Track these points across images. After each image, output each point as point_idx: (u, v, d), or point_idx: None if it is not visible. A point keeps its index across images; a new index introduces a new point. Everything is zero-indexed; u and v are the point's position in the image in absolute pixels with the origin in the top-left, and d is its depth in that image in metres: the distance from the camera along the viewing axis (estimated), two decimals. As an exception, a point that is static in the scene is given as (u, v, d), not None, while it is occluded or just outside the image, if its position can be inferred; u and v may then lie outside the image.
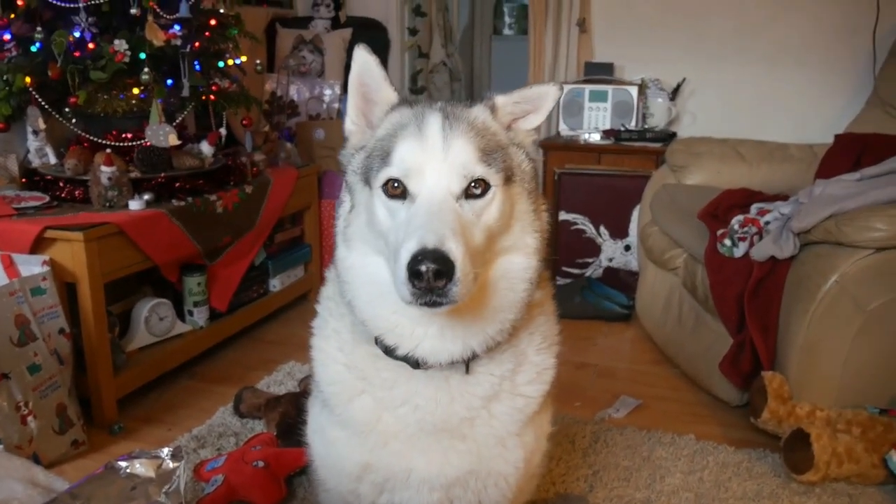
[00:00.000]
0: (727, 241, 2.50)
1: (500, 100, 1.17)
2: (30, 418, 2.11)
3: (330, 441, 1.29)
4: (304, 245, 3.61)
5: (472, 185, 1.06)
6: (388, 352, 1.15)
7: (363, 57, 1.16)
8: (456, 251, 0.96)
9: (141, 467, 0.79)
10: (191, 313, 2.86)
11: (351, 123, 1.21)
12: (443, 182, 1.05)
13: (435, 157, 1.06)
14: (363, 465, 1.23)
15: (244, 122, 3.15)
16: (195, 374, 2.82)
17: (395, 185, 1.07)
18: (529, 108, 1.18)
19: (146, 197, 2.55)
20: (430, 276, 0.94)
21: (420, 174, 1.06)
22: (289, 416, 2.22)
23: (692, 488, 2.05)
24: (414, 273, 0.95)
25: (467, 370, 1.17)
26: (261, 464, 1.99)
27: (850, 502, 1.99)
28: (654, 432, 2.36)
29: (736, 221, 2.50)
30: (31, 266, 2.24)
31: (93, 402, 2.39)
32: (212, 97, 2.89)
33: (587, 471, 2.13)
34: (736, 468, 2.15)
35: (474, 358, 1.15)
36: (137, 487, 0.77)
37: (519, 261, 1.14)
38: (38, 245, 2.27)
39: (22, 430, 2.09)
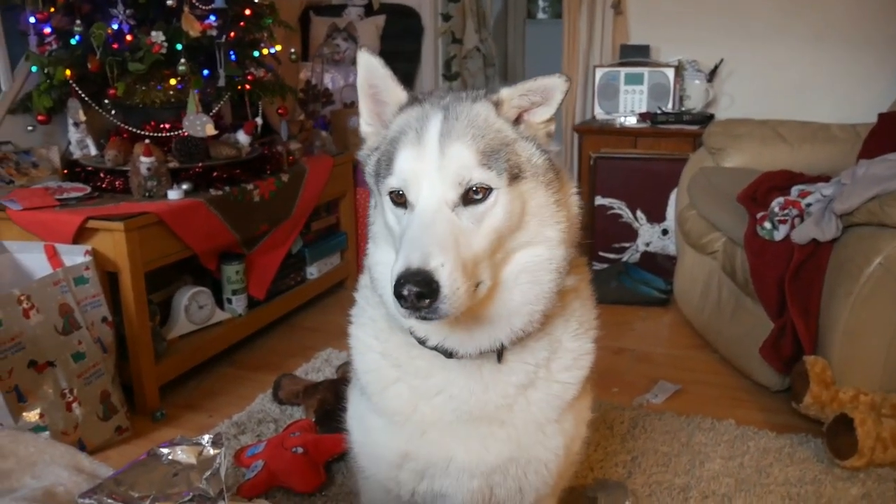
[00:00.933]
0: (767, 224, 2.45)
1: (506, 93, 1.13)
2: (75, 405, 2.16)
3: (369, 428, 1.29)
4: (340, 233, 3.63)
5: (472, 190, 1.04)
6: (421, 342, 1.15)
7: (366, 59, 1.14)
8: (442, 269, 0.96)
9: (182, 454, 0.80)
10: (230, 301, 2.90)
11: (366, 125, 1.20)
12: (437, 192, 1.03)
13: (430, 166, 1.04)
14: (402, 454, 1.23)
15: (280, 111, 3.18)
16: (234, 361, 2.86)
17: (399, 193, 1.07)
18: (538, 100, 1.13)
19: (184, 186, 2.58)
20: (413, 299, 0.95)
21: (416, 184, 1.04)
22: (327, 402, 2.24)
23: (733, 474, 2.03)
24: (398, 295, 0.96)
25: (499, 359, 1.16)
26: (300, 450, 2.01)
27: (896, 488, 1.95)
28: (693, 418, 2.33)
29: (776, 204, 2.45)
30: (74, 256, 2.29)
31: (135, 389, 2.44)
32: (247, 87, 2.91)
33: (626, 456, 2.12)
34: (777, 453, 2.12)
35: (505, 348, 1.14)
36: (179, 474, 0.78)
37: (541, 253, 1.11)
38: (80, 235, 2.32)
39: (67, 417, 2.14)
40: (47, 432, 2.09)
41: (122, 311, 2.38)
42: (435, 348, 1.14)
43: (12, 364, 2.02)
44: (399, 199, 1.07)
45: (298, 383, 2.45)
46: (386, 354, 1.22)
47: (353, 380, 1.35)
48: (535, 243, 1.11)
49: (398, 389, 1.22)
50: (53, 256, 2.30)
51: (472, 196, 1.04)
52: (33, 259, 2.33)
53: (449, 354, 1.13)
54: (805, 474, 2.02)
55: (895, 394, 2.11)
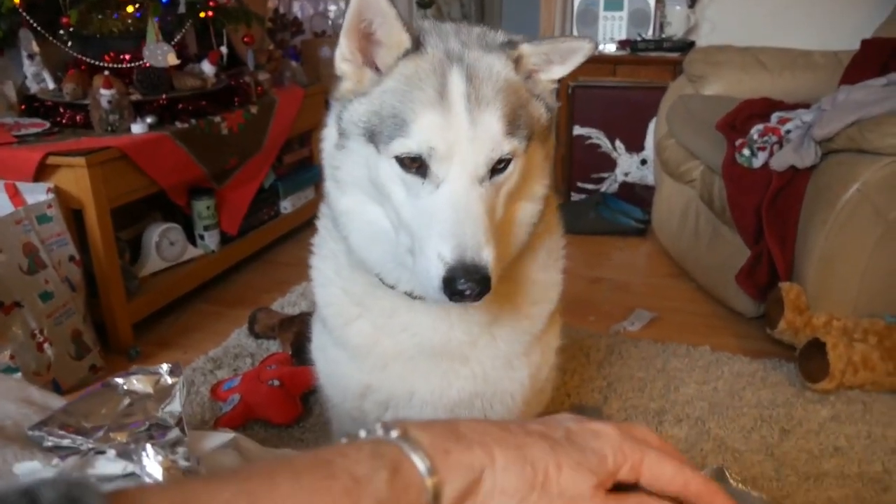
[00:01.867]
0: (746, 151, 2.42)
1: (526, 49, 1.02)
2: (46, 345, 2.12)
3: (332, 360, 1.27)
4: (313, 166, 3.56)
5: (497, 164, 0.96)
6: (389, 286, 1.10)
7: None
8: (491, 258, 0.90)
9: (138, 384, 0.77)
10: (202, 237, 2.84)
11: (343, 61, 1.03)
12: (470, 169, 0.94)
13: (462, 138, 0.93)
14: (365, 385, 1.21)
15: (245, 39, 3.07)
16: (209, 297, 2.83)
17: (415, 159, 0.95)
18: (556, 60, 1.04)
19: (148, 120, 2.49)
20: (470, 297, 0.89)
21: (446, 157, 0.94)
22: (303, 335, 2.20)
23: (706, 398, 2.05)
24: (454, 292, 0.89)
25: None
26: (276, 383, 2.00)
27: (864, 409, 1.98)
28: (668, 344, 2.35)
29: (755, 131, 2.42)
30: (36, 194, 2.22)
31: (108, 327, 2.40)
32: (210, 14, 2.80)
33: (602, 382, 2.13)
34: (750, 378, 2.14)
35: None
36: (135, 403, 0.75)
37: (527, 208, 1.07)
38: (41, 172, 2.24)
39: (39, 357, 2.10)
40: (19, 373, 2.05)
41: (90, 249, 2.33)
42: (405, 293, 1.09)
43: (-23, 305, 1.98)
44: (413, 165, 0.95)
45: (274, 317, 2.42)
46: (348, 291, 1.18)
47: (315, 311, 1.31)
48: (524, 199, 1.06)
49: (360, 326, 1.18)
50: (15, 195, 2.23)
51: (495, 167, 0.96)
52: (-7, 197, 2.26)
53: (416, 297, 1.09)
54: (777, 397, 2.04)
55: (867, 319, 2.13)
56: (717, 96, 3.13)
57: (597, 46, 1.04)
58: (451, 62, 0.96)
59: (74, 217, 2.31)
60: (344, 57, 1.02)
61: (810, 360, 2.07)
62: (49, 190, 2.21)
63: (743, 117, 2.66)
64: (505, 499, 0.49)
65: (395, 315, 1.14)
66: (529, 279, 1.17)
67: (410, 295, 1.09)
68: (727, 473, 1.55)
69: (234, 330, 2.49)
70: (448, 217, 0.92)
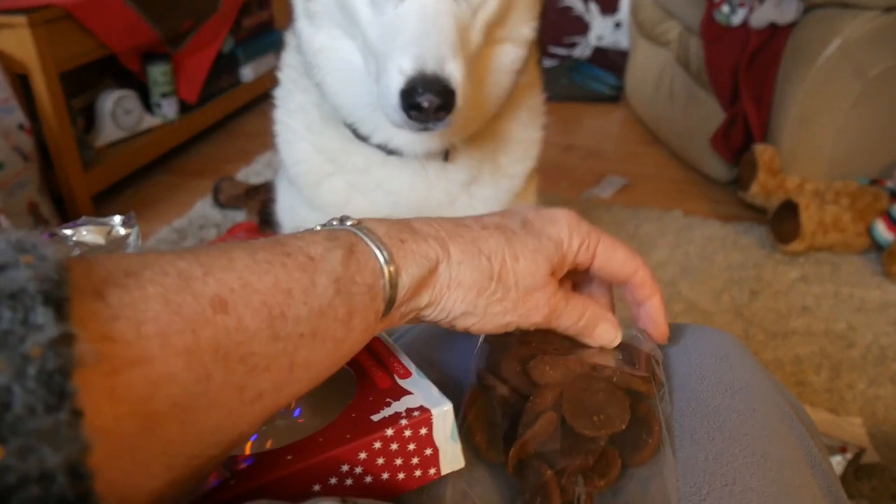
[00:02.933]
0: (725, 8, 2.33)
1: None
2: (1, 217, 2.04)
3: (301, 221, 1.22)
4: (275, 31, 3.38)
5: None
6: (362, 138, 1.03)
7: None
8: (458, 75, 0.82)
9: (89, 234, 0.71)
10: (159, 106, 2.72)
11: None
12: None
13: None
14: None
15: None
16: (170, 168, 2.74)
17: None
18: None
19: (93, -24, 2.31)
20: (431, 111, 0.81)
21: None
22: (270, 202, 2.16)
23: (678, 261, 2.05)
24: (412, 105, 0.81)
25: (446, 158, 1.06)
26: (243, 252, 1.96)
27: (832, 270, 2.00)
28: (640, 209, 2.33)
29: (736, -15, 2.32)
30: (-23, 57, 2.08)
31: (66, 199, 2.31)
32: None
33: (573, 249, 2.12)
34: (722, 241, 2.15)
35: (455, 147, 1.04)
36: (85, 255, 0.70)
37: (509, 52, 0.99)
38: (-21, 34, 2.09)
39: (-6, 228, 2.03)
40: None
41: (40, 116, 2.20)
42: (378, 146, 1.03)
43: (-78, 175, 1.88)
44: None
45: (239, 186, 2.35)
46: (319, 148, 1.11)
47: (280, 169, 1.25)
48: (508, 41, 0.98)
49: (332, 183, 1.12)
50: (-47, 58, 2.09)
51: None
52: (-71, 62, 2.11)
53: (391, 153, 1.03)
54: (747, 260, 2.06)
55: (840, 181, 2.12)
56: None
57: None
58: None
59: (21, 83, 2.17)
60: None
61: (783, 222, 2.07)
62: (-10, 53, 2.07)
63: (724, -27, 2.55)
64: (462, 292, 0.49)
65: (370, 172, 1.08)
66: (512, 137, 1.11)
67: (385, 149, 1.03)
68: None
69: (198, 200, 2.42)
70: (411, 28, 0.85)
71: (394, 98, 0.83)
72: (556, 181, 2.56)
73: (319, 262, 0.42)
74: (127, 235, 0.74)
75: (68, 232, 0.76)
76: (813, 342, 1.73)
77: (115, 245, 0.73)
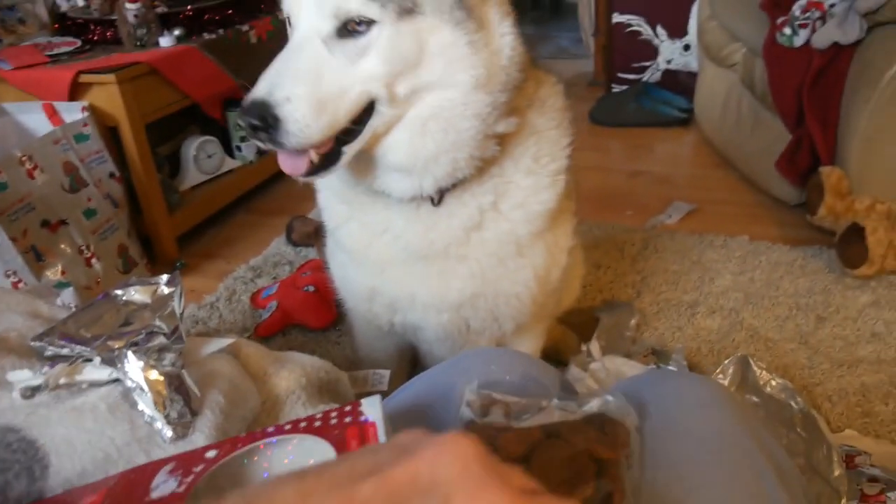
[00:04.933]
0: (787, 30, 2.30)
1: None
2: (93, 260, 2.21)
3: (339, 264, 1.30)
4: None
5: (354, 22, 0.93)
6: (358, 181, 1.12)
7: None
8: (287, 103, 0.92)
9: (137, 294, 0.81)
10: (239, 149, 2.88)
11: None
12: (311, 22, 0.95)
13: None
14: (370, 289, 1.24)
15: (269, -57, 3.00)
16: (249, 208, 2.89)
17: (289, 23, 1.01)
18: None
19: (176, 32, 2.49)
20: (249, 130, 0.94)
21: (296, 12, 0.97)
22: (338, 242, 2.26)
23: (742, 288, 2.03)
24: (244, 122, 0.95)
25: (436, 203, 1.11)
26: (311, 288, 2.06)
27: (907, 294, 1.94)
28: (705, 235, 2.31)
29: (797, 7, 2.29)
30: (73, 113, 2.26)
31: (153, 241, 2.48)
32: (229, -81, 2.73)
33: (635, 277, 2.13)
34: (789, 266, 2.10)
35: (443, 192, 1.09)
36: (134, 314, 0.79)
37: (453, 97, 1.00)
38: (76, 91, 2.28)
39: (88, 272, 2.20)
40: (70, 288, 2.16)
41: (129, 165, 2.38)
42: (375, 190, 1.11)
43: (25, 225, 2.05)
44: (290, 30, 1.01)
45: (310, 224, 2.46)
46: (336, 192, 1.20)
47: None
48: (445, 87, 1.00)
49: (350, 227, 1.20)
50: (53, 115, 2.28)
51: (352, 28, 0.94)
52: (34, 119, 2.31)
53: (386, 195, 1.10)
54: (815, 285, 2.01)
55: (913, 201, 2.05)
56: (764, -28, 2.95)
57: None
58: None
59: (111, 134, 2.36)
60: None
61: (850, 246, 2.01)
62: (84, 108, 2.25)
63: (788, -6, 2.52)
64: None
65: (376, 215, 1.15)
66: (513, 184, 1.14)
67: (378, 191, 1.10)
68: (751, 362, 1.56)
69: (274, 238, 2.55)
70: (272, 66, 0.96)
71: (240, 117, 0.96)
72: (621, 209, 2.56)
73: None
74: (171, 294, 0.83)
75: (119, 292, 0.85)
76: (882, 370, 1.68)
77: (159, 303, 0.82)
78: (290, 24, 1.01)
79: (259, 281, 2.29)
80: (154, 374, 0.64)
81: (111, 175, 2.31)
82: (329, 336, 2.00)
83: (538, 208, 1.17)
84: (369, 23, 0.94)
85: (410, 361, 1.52)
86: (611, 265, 2.18)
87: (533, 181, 1.16)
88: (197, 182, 2.72)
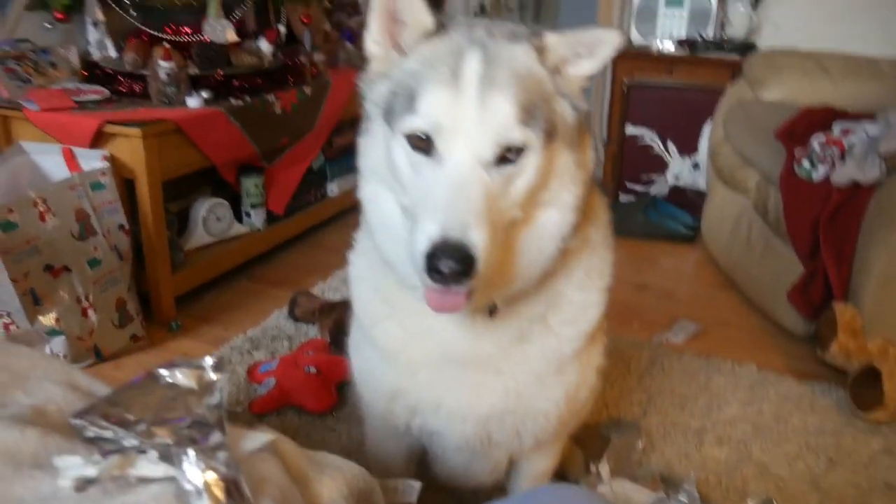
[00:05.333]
0: (806, 163, 2.35)
1: (551, 40, 1.00)
2: (90, 311, 2.15)
3: (365, 358, 1.26)
4: (362, 150, 3.54)
5: (510, 150, 0.94)
6: (410, 287, 1.08)
7: None
8: (480, 243, 0.87)
9: (182, 377, 0.76)
10: (248, 215, 2.85)
11: (373, 43, 1.05)
12: (474, 150, 0.92)
13: (469, 117, 0.92)
14: (394, 388, 1.19)
15: (303, 19, 3.06)
16: (252, 275, 2.84)
17: (422, 137, 0.95)
18: (583, 52, 1.01)
19: (204, 94, 2.50)
20: (450, 276, 0.87)
21: (451, 134, 0.93)
22: (342, 323, 2.20)
23: (750, 419, 1.99)
24: (433, 268, 0.87)
25: (491, 314, 1.09)
26: (313, 370, 2.00)
27: (918, 443, 1.91)
28: (713, 359, 2.29)
29: (817, 142, 2.34)
30: (92, 161, 2.24)
31: (152, 298, 2.42)
32: (271, -8, 2.79)
33: (642, 395, 2.09)
34: (798, 401, 2.08)
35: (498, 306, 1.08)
36: (177, 398, 0.74)
37: (552, 217, 1.02)
38: (97, 139, 2.26)
39: (83, 322, 2.13)
40: (62, 336, 2.09)
41: (139, 219, 2.34)
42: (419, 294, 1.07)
43: (28, 267, 2.00)
44: (420, 144, 0.95)
45: (315, 301, 2.42)
46: (378, 289, 1.17)
47: (352, 305, 1.30)
48: (550, 206, 1.02)
49: (389, 326, 1.17)
50: (71, 160, 2.26)
51: (505, 155, 0.94)
52: (51, 161, 2.29)
53: None
54: (825, 424, 1.98)
55: (926, 347, 2.04)
56: (778, 102, 3.05)
57: (624, 36, 1.01)
58: (471, 46, 0.96)
59: (126, 186, 2.33)
60: (374, 40, 1.05)
61: (862, 388, 2.00)
62: (104, 158, 2.23)
63: (803, 126, 2.58)
64: None
65: (421, 318, 1.12)
66: (565, 299, 1.13)
67: None
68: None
69: (275, 311, 2.49)
70: (441, 194, 0.91)
71: (419, 260, 0.89)
72: (628, 321, 2.54)
73: None
74: (217, 381, 0.78)
75: (164, 372, 0.80)
76: (895, 523, 1.63)
77: (205, 389, 0.77)
78: (421, 139, 0.95)
79: (256, 353, 2.22)
80: (212, 476, 0.59)
81: (120, 227, 2.27)
82: (326, 421, 1.93)
83: (585, 326, 1.15)
84: (520, 150, 0.95)
85: (419, 464, 1.46)
86: (617, 380, 2.15)
87: (584, 297, 1.14)
88: (203, 243, 2.68)
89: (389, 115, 1.00)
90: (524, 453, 1.32)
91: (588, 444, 1.77)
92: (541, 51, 1.00)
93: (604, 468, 1.63)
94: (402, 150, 0.97)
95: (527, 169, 0.96)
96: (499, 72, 0.94)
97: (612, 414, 1.99)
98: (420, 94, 0.95)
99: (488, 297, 1.03)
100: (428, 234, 0.88)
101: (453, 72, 0.94)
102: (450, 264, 0.86)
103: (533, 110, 0.95)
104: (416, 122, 0.95)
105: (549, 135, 0.97)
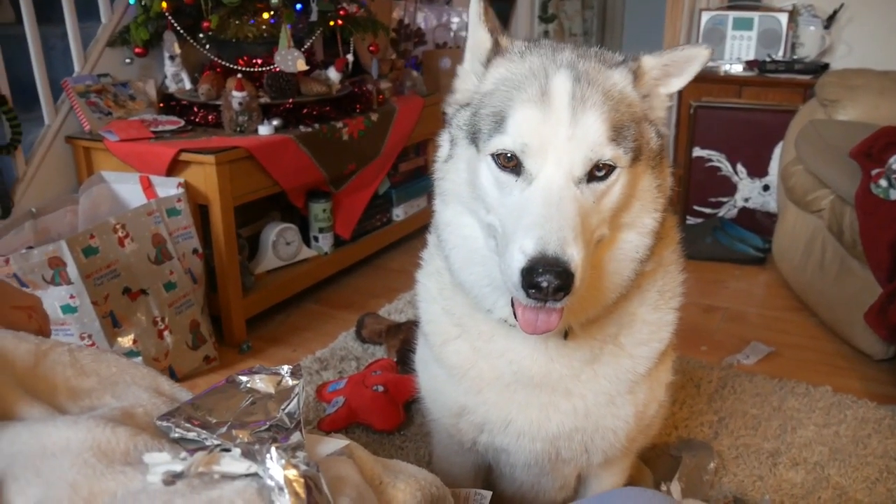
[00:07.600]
0: (883, 182, 2.28)
1: (648, 62, 1.02)
2: (166, 333, 2.22)
3: (432, 376, 1.27)
4: (427, 175, 3.59)
5: (596, 167, 0.95)
6: (484, 309, 1.10)
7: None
8: (577, 258, 0.87)
9: (261, 383, 0.79)
10: (316, 239, 2.92)
11: (469, 73, 1.10)
12: (565, 166, 0.93)
13: (560, 135, 0.93)
14: (461, 406, 1.20)
15: (371, 48, 3.14)
16: (319, 298, 2.90)
17: (510, 157, 0.96)
18: (674, 71, 1.03)
19: (275, 122, 2.58)
20: (550, 291, 0.86)
21: (541, 153, 0.94)
22: (409, 343, 2.23)
23: (827, 442, 1.93)
24: (531, 284, 0.87)
25: (565, 336, 1.10)
26: (381, 388, 2.02)
27: None
28: (786, 381, 2.22)
29: (894, 161, 2.27)
30: (168, 188, 2.34)
31: (223, 321, 2.49)
32: (339, 22, 2.87)
33: (712, 417, 2.04)
34: (877, 425, 2.00)
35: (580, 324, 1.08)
36: (257, 402, 0.77)
37: (632, 240, 1.03)
38: (173, 167, 2.36)
39: (158, 344, 2.20)
40: (140, 357, 2.16)
41: (212, 243, 2.42)
42: (503, 319, 1.08)
43: (108, 290, 2.09)
44: (508, 164, 0.96)
45: (381, 322, 2.45)
46: (448, 310, 1.18)
47: (420, 324, 1.32)
48: (629, 228, 1.03)
49: (458, 346, 1.18)
50: (148, 187, 2.36)
51: (594, 172, 0.95)
52: (129, 190, 2.39)
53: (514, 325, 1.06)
54: (907, 449, 1.90)
55: None
56: (852, 122, 2.97)
57: (712, 53, 1.01)
58: (557, 67, 0.97)
59: (200, 212, 2.42)
60: (468, 69, 1.10)
61: (946, 412, 1.91)
62: (180, 185, 2.32)
63: (880, 145, 2.51)
64: None
65: (493, 340, 1.13)
66: (638, 319, 1.13)
67: (507, 322, 1.07)
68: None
69: (342, 332, 2.53)
70: (536, 211, 0.91)
71: (515, 276, 0.88)
72: (695, 345, 2.50)
73: None
74: (294, 387, 0.81)
75: (244, 378, 0.83)
76: None
77: (283, 395, 0.80)
78: (509, 159, 0.96)
79: (325, 374, 2.26)
80: (293, 473, 0.61)
81: (194, 251, 2.35)
82: (393, 440, 1.95)
83: (658, 346, 1.15)
84: (610, 168, 0.96)
85: (485, 481, 1.46)
86: (686, 401, 2.11)
87: (658, 317, 1.14)
88: (272, 267, 2.75)
89: (475, 136, 1.01)
90: (592, 470, 1.31)
91: (657, 464, 1.75)
92: (637, 74, 1.02)
93: (675, 488, 1.60)
94: (489, 171, 0.98)
95: (614, 187, 0.97)
96: (591, 91, 0.96)
97: (682, 435, 1.95)
98: (509, 114, 0.96)
99: (565, 321, 1.03)
100: (524, 250, 0.88)
101: (541, 91, 0.95)
102: (549, 279, 0.86)
103: (622, 130, 0.96)
104: (504, 142, 0.96)
105: (635, 156, 0.99)
